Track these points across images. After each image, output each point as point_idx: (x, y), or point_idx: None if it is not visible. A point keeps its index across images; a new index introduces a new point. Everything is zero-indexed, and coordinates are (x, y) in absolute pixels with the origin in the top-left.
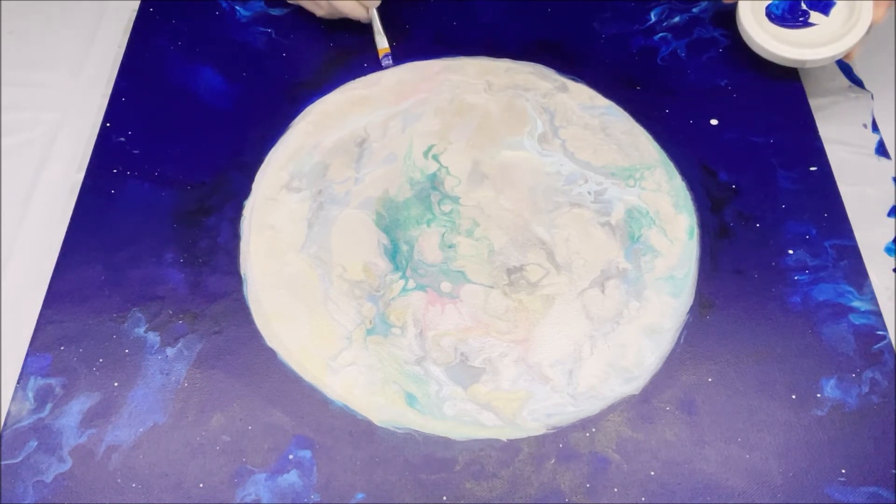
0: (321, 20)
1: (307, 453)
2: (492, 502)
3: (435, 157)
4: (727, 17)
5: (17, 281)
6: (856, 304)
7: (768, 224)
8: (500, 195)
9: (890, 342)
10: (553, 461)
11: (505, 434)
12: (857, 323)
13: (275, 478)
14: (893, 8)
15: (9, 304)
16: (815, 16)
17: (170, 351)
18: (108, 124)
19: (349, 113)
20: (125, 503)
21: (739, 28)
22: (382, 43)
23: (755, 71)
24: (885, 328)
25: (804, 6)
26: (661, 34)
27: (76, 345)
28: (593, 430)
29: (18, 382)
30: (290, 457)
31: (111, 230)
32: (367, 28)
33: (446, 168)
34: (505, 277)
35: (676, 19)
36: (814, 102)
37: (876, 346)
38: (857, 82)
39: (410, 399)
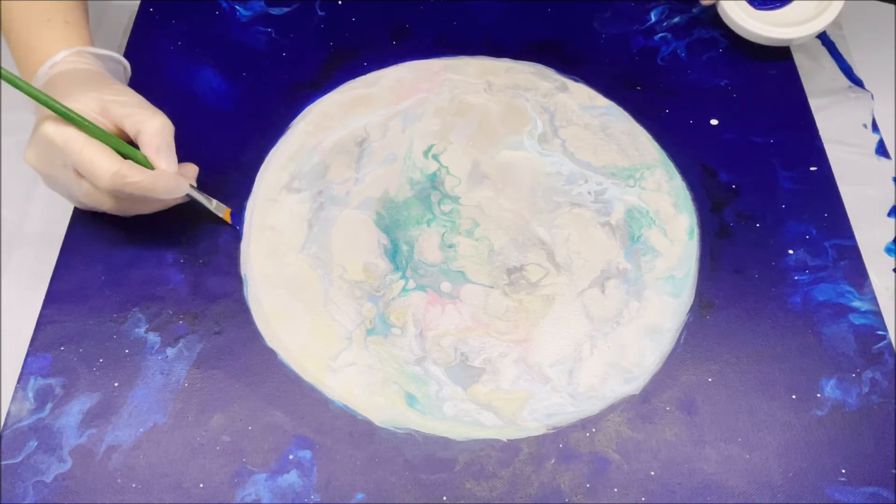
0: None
1: (307, 453)
2: (492, 502)
3: (435, 157)
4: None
5: (17, 281)
6: (856, 304)
7: (768, 224)
8: (500, 195)
9: (890, 342)
10: (553, 461)
11: (505, 434)
12: (857, 323)
13: (275, 478)
14: None
15: (9, 304)
16: None
17: (170, 351)
18: None
19: (349, 113)
20: (125, 503)
21: (724, 17)
22: (220, 208)
23: (755, 71)
24: (885, 328)
25: None
26: (661, 34)
27: (76, 345)
28: (593, 430)
29: (18, 382)
30: (290, 457)
31: (111, 230)
32: (366, 28)
33: (446, 168)
34: (505, 277)
35: (676, 19)
36: (814, 102)
37: (876, 346)
38: (857, 82)
39: (410, 399)
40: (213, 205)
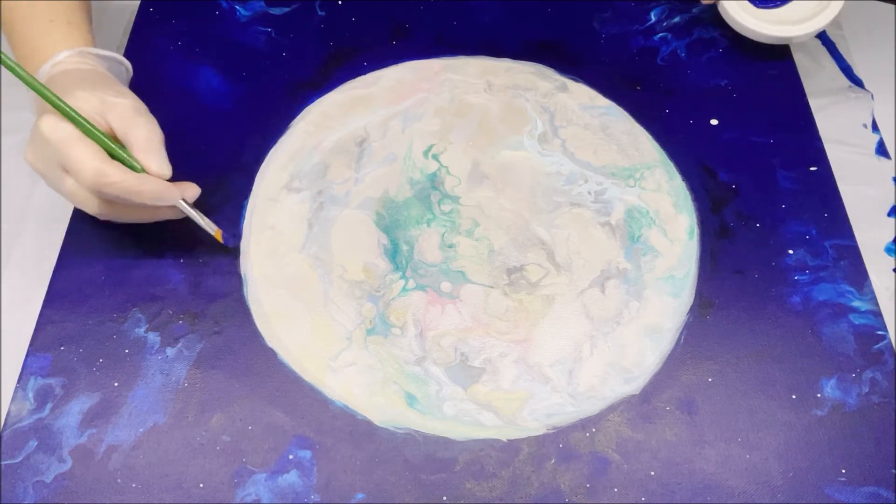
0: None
1: (307, 453)
2: (492, 502)
3: (435, 157)
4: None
5: (17, 281)
6: (856, 304)
7: (768, 224)
8: (500, 195)
9: (890, 342)
10: (553, 461)
11: (505, 434)
12: (857, 323)
13: (275, 478)
14: None
15: (9, 304)
16: None
17: (170, 351)
18: None
19: (349, 113)
20: (125, 503)
21: (724, 15)
22: (211, 226)
23: (755, 71)
24: (885, 328)
25: None
26: (661, 34)
27: (76, 345)
28: (593, 430)
29: (18, 382)
30: (290, 457)
31: (111, 230)
32: (366, 28)
33: (446, 168)
34: (505, 277)
35: (676, 19)
36: (814, 102)
37: (876, 346)
38: (857, 82)
39: (410, 399)
40: (204, 223)
